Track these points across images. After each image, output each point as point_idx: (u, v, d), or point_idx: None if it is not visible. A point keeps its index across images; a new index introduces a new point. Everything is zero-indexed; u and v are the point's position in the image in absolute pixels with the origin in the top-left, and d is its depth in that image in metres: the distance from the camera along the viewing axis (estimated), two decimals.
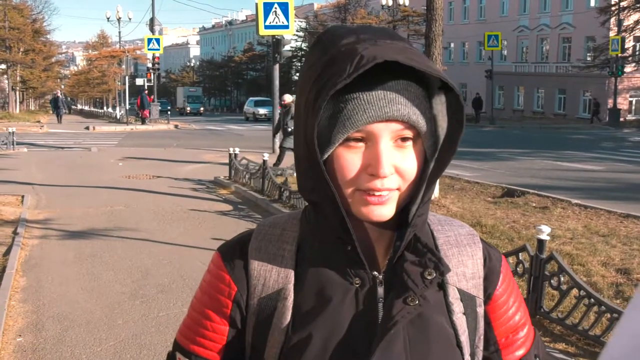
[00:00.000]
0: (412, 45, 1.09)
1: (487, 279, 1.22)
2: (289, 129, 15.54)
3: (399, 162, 1.05)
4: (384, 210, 1.07)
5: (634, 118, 47.81)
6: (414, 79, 1.05)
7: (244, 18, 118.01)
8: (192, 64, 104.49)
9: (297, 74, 78.84)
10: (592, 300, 5.13)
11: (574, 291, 5.35)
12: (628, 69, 46.18)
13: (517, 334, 1.25)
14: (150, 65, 41.16)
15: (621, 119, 44.37)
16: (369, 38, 1.05)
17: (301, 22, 67.41)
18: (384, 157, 1.03)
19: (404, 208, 1.12)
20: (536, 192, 12.32)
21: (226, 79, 78.57)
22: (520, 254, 5.87)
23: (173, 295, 6.70)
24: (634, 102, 50.62)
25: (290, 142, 15.36)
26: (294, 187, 11.52)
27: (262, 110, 51.83)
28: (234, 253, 1.20)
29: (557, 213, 10.48)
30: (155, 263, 7.93)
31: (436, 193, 11.38)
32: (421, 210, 1.12)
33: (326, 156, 1.06)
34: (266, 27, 18.98)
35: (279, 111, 17.51)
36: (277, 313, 1.14)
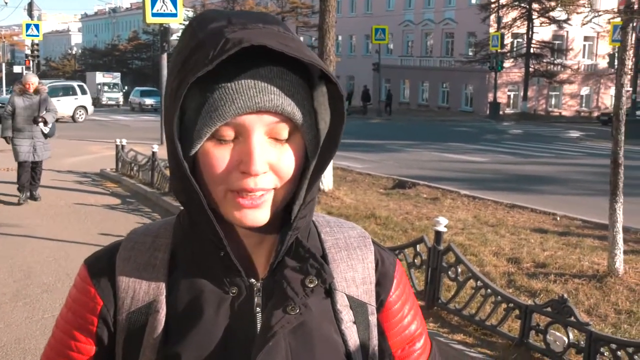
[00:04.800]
0: (289, 31, 0.97)
1: (379, 284, 1.13)
2: None
3: (274, 159, 0.95)
4: (259, 214, 0.97)
5: (512, 111, 49.98)
6: (292, 68, 0.94)
7: (129, 6, 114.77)
8: (73, 52, 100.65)
9: None
10: (489, 290, 5.22)
11: (471, 282, 5.43)
12: (507, 64, 48.26)
13: (413, 345, 1.16)
14: (28, 52, 39.30)
15: (500, 112, 46.29)
16: (239, 22, 0.94)
17: (189, 11, 66.14)
18: (256, 153, 0.93)
19: (287, 209, 1.01)
20: (426, 183, 12.60)
21: (110, 68, 76.04)
22: (417, 245, 5.91)
23: (59, 294, 6.32)
24: (512, 96, 52.91)
25: None
26: None
27: (148, 101, 50.50)
28: (101, 264, 1.09)
29: (448, 204, 10.74)
30: (39, 261, 7.48)
31: (330, 185, 11.40)
32: (304, 212, 1.02)
33: (194, 152, 0.95)
34: (153, 14, 18.45)
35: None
36: (148, 328, 1.03)
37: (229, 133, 0.94)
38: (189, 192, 0.96)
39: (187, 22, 1.02)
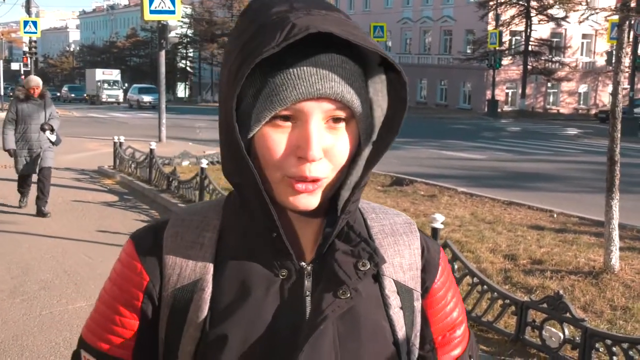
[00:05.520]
0: (349, 18, 0.99)
1: (425, 270, 1.14)
2: None
3: (329, 145, 0.96)
4: (311, 199, 0.98)
5: (510, 109, 50.00)
6: (351, 55, 0.96)
7: (127, 2, 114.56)
8: (71, 49, 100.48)
9: (183, 61, 77.69)
10: (485, 287, 5.24)
11: (467, 278, 5.45)
12: (505, 61, 48.29)
13: (454, 332, 1.17)
14: (26, 49, 39.22)
15: (499, 110, 46.31)
16: (303, 7, 0.95)
17: (187, 8, 66.06)
18: (313, 138, 0.94)
19: (334, 193, 1.03)
20: (424, 180, 12.60)
21: (108, 65, 75.93)
22: None
23: (56, 291, 6.34)
24: (510, 94, 52.92)
25: None
26: (183, 176, 11.26)
27: (146, 98, 50.51)
28: (148, 240, 1.09)
29: (445, 201, 10.75)
30: (37, 258, 7.49)
31: None
32: (356, 196, 1.03)
33: (251, 135, 0.96)
34: (152, 12, 18.49)
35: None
36: (193, 306, 1.03)
37: (287, 118, 0.95)
38: (243, 174, 0.97)
39: (245, 7, 1.02)
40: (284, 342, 1.00)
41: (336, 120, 0.96)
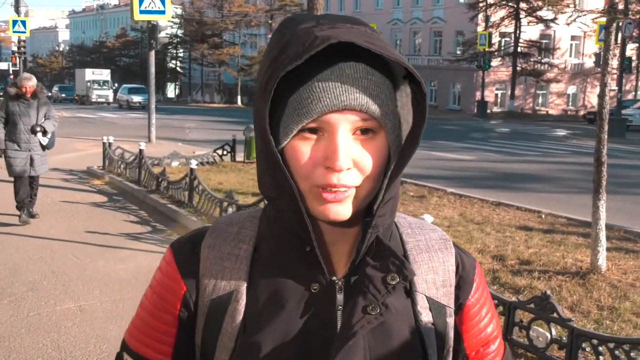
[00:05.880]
0: (375, 31, 1.01)
1: (459, 287, 1.14)
2: None
3: (357, 156, 0.98)
4: (342, 209, 0.98)
5: (499, 110, 50.19)
6: (378, 68, 0.98)
7: (117, 2, 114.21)
8: (61, 49, 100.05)
9: (173, 62, 77.49)
10: None
11: None
12: (494, 62, 48.48)
13: (487, 348, 1.17)
14: (15, 48, 39.05)
15: (488, 111, 46.48)
16: (328, 22, 0.99)
17: (177, 8, 65.90)
18: (340, 149, 0.95)
19: (369, 208, 1.03)
20: (413, 181, 12.61)
21: (98, 65, 75.65)
22: None
23: (44, 292, 6.32)
24: (499, 95, 53.13)
25: None
26: (173, 177, 11.24)
27: (136, 98, 50.40)
28: (186, 250, 1.13)
29: (434, 202, 10.78)
30: (25, 259, 7.46)
31: None
32: (382, 210, 1.03)
33: (281, 147, 0.99)
34: (141, 12, 18.46)
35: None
36: (228, 316, 1.06)
37: (314, 130, 0.97)
38: (280, 186, 0.98)
39: (278, 24, 1.05)
40: (315, 355, 1.02)
41: (365, 131, 0.98)
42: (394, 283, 1.01)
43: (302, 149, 0.98)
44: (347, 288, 1.05)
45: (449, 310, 1.12)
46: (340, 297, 1.05)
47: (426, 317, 1.09)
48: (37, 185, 9.49)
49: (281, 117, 0.98)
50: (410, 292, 1.09)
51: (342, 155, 0.95)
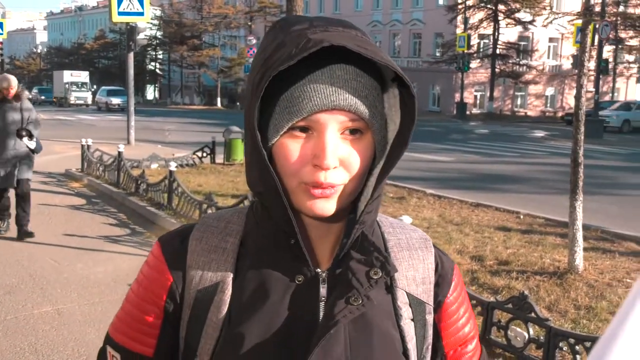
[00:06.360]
0: (366, 36, 1.05)
1: (438, 285, 1.17)
2: None
3: (344, 155, 1.01)
4: (327, 205, 1.02)
5: (478, 111, 50.50)
6: (367, 70, 1.01)
7: (95, 4, 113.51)
8: (39, 51, 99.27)
9: (152, 63, 77.09)
10: None
11: None
12: (473, 64, 48.77)
13: (465, 347, 1.20)
14: None
15: (467, 112, 46.74)
16: (321, 25, 1.02)
17: (156, 9, 65.60)
18: (328, 148, 0.98)
19: (353, 205, 1.07)
20: (392, 182, 12.64)
21: (76, 67, 75.09)
22: None
23: (22, 296, 6.26)
24: (478, 97, 53.45)
25: None
26: (152, 179, 11.19)
27: (115, 100, 50.10)
28: (174, 243, 1.15)
29: (414, 203, 10.83)
30: (2, 262, 7.38)
31: None
32: (370, 208, 1.07)
33: (270, 144, 1.02)
34: (120, 13, 18.34)
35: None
36: (213, 307, 1.08)
37: (304, 128, 1.00)
38: (266, 181, 1.01)
39: (271, 25, 1.08)
40: (297, 344, 1.04)
41: (353, 131, 1.01)
42: (376, 277, 1.04)
43: (291, 146, 1.00)
44: (330, 280, 1.07)
45: (428, 307, 1.15)
46: (323, 289, 1.07)
47: (406, 312, 1.12)
48: (27, 195, 8.59)
49: (271, 115, 1.00)
50: (391, 288, 1.12)
51: (330, 154, 0.98)
